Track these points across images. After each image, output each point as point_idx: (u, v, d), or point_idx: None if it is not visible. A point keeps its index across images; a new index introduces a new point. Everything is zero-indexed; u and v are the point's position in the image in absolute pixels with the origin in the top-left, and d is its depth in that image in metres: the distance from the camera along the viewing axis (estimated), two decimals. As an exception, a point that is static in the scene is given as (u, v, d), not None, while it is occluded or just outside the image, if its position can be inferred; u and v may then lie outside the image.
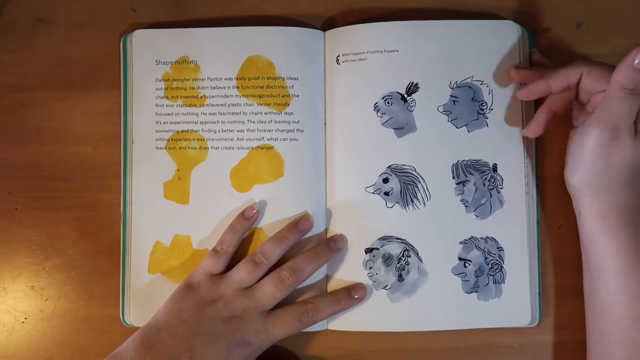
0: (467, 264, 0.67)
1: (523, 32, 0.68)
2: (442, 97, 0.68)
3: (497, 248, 0.67)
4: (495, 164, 0.67)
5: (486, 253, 0.67)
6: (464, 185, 0.67)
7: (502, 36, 0.68)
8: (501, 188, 0.67)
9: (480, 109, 0.68)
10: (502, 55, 0.68)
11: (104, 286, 0.70)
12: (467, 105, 0.68)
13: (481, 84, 0.68)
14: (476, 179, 0.67)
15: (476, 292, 0.67)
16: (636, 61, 0.56)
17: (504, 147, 0.68)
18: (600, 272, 0.61)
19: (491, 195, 0.67)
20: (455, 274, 0.67)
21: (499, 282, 0.67)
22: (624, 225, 0.59)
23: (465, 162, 0.68)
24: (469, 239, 0.67)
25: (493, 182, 0.67)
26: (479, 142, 0.68)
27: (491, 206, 0.67)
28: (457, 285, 0.67)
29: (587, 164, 0.61)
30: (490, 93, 0.68)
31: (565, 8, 0.70)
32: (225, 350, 0.62)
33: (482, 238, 0.67)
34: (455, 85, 0.68)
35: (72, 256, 0.71)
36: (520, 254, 0.67)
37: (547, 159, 0.69)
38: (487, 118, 0.68)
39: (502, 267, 0.67)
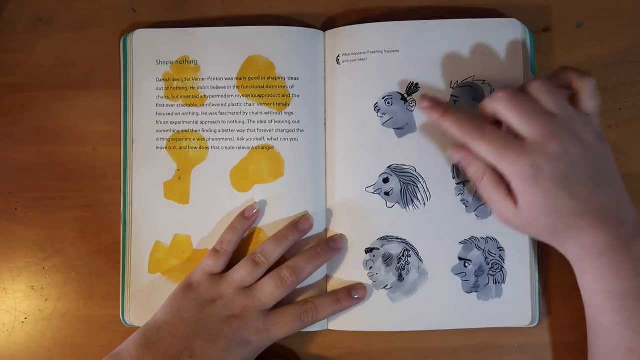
0: (467, 264, 0.67)
1: (525, 30, 0.68)
2: (443, 97, 0.67)
3: (498, 248, 0.67)
4: (497, 164, 0.67)
5: (486, 253, 0.67)
6: (464, 185, 0.67)
7: (506, 35, 0.67)
8: (502, 188, 0.67)
9: (482, 109, 0.68)
10: (505, 54, 0.67)
11: (104, 286, 0.71)
12: (468, 106, 0.67)
13: (483, 83, 0.68)
14: (477, 179, 0.67)
15: (476, 292, 0.67)
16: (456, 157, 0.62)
17: None
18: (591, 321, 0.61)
19: (492, 195, 0.67)
20: (455, 274, 0.67)
21: (499, 282, 0.67)
22: (584, 272, 0.60)
23: (465, 162, 0.67)
24: (469, 238, 0.67)
25: (494, 182, 0.67)
26: (479, 142, 0.67)
27: (492, 206, 0.67)
28: (457, 285, 0.67)
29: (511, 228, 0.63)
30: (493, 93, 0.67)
31: (565, 8, 0.70)
32: (225, 349, 0.62)
33: (482, 238, 0.67)
34: (456, 85, 0.68)
35: (72, 256, 0.71)
36: (521, 254, 0.67)
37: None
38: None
39: (502, 267, 0.67)
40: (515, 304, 0.67)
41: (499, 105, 0.59)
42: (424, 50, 0.68)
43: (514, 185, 0.58)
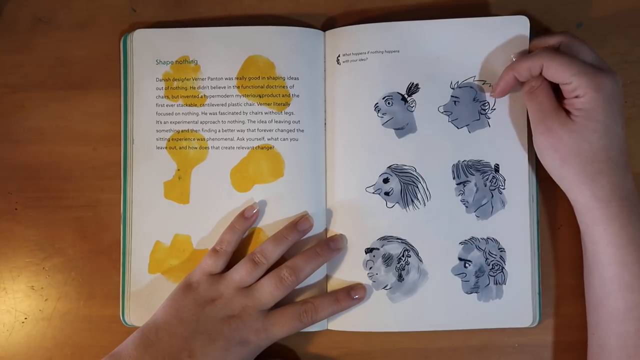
0: (467, 265, 0.67)
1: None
2: (443, 98, 0.68)
3: (499, 249, 0.67)
4: (497, 165, 0.67)
5: (487, 254, 0.67)
6: (464, 186, 0.67)
7: (512, 32, 0.67)
8: (503, 189, 0.67)
9: (482, 109, 0.67)
10: (508, 53, 0.67)
11: (104, 286, 0.71)
12: (468, 106, 0.67)
13: (484, 83, 0.68)
14: (477, 179, 0.67)
15: (476, 292, 0.67)
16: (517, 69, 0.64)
17: (507, 147, 0.67)
18: (595, 263, 0.62)
19: (492, 196, 0.67)
20: (455, 274, 0.67)
21: (499, 283, 0.67)
22: (612, 217, 0.60)
23: (466, 162, 0.67)
24: (470, 239, 0.67)
25: (495, 183, 0.67)
26: (480, 143, 0.67)
27: (492, 207, 0.67)
28: (457, 286, 0.67)
29: (548, 160, 0.63)
30: None
31: (565, 8, 0.70)
32: (224, 349, 0.62)
33: (482, 239, 0.67)
34: (456, 85, 0.68)
35: (72, 256, 0.71)
36: (522, 255, 0.67)
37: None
38: (489, 118, 0.67)
39: (503, 268, 0.67)
40: (516, 305, 0.67)
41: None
42: (424, 50, 0.68)
43: (583, 97, 0.60)
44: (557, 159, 0.61)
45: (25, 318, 0.71)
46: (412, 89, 0.67)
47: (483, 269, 0.67)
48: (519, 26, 0.67)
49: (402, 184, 0.67)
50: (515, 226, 0.67)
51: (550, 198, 0.69)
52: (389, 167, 0.67)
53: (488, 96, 0.67)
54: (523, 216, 0.67)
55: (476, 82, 0.68)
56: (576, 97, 0.60)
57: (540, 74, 0.63)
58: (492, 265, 0.67)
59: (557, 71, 0.60)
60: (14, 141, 0.72)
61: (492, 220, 0.67)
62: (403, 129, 0.67)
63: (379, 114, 0.68)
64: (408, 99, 0.68)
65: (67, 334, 0.71)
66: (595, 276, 0.62)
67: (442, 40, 0.68)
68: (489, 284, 0.67)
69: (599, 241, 0.61)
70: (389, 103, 0.67)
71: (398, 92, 0.68)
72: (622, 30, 0.70)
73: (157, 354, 0.62)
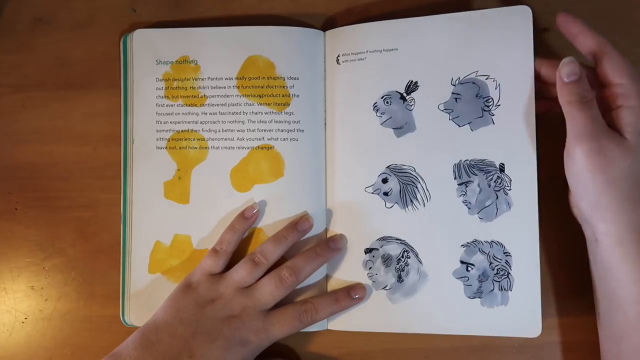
0: (469, 268, 0.66)
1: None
2: (443, 95, 0.67)
3: (504, 253, 0.66)
4: (503, 164, 0.66)
5: (491, 258, 0.66)
6: (466, 186, 0.66)
7: (513, 24, 0.65)
8: (509, 189, 0.66)
9: (486, 105, 0.66)
10: (513, 44, 0.65)
11: (104, 286, 0.71)
12: (470, 103, 0.66)
13: (487, 78, 0.66)
14: (480, 179, 0.66)
15: (479, 297, 0.66)
16: (565, 78, 0.58)
17: (513, 145, 0.65)
18: (618, 299, 0.59)
19: (497, 197, 0.66)
20: (457, 278, 0.66)
21: (505, 289, 0.65)
22: None
23: (468, 162, 0.66)
24: (472, 242, 0.66)
25: (500, 183, 0.66)
26: (483, 141, 0.66)
27: (497, 208, 0.66)
28: (459, 289, 0.66)
29: (588, 183, 0.58)
30: (498, 88, 0.66)
31: (565, 8, 0.69)
32: (224, 349, 0.62)
33: (486, 242, 0.66)
34: (457, 81, 0.67)
35: (72, 256, 0.71)
36: (530, 261, 0.65)
37: (546, 159, 0.66)
38: (493, 115, 0.66)
39: (509, 273, 0.65)
40: (523, 313, 0.64)
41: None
42: (423, 46, 0.67)
43: (630, 109, 0.57)
44: (602, 182, 0.57)
45: (25, 318, 0.71)
46: (411, 87, 0.67)
47: (487, 274, 0.66)
48: (521, 17, 0.65)
49: (401, 184, 0.67)
50: (522, 229, 0.65)
51: (550, 198, 0.68)
52: (387, 167, 0.67)
53: (493, 90, 0.66)
54: (531, 218, 0.65)
55: (479, 77, 0.66)
56: (618, 107, 0.58)
57: (595, 70, 0.61)
58: (497, 270, 0.66)
59: (616, 67, 0.58)
60: (14, 141, 0.72)
61: (497, 223, 0.66)
62: (402, 128, 0.67)
63: (378, 114, 0.67)
64: (407, 98, 0.67)
65: (67, 334, 0.71)
66: (617, 312, 0.59)
67: (442, 36, 0.67)
68: (493, 289, 0.66)
69: (625, 278, 0.57)
70: (387, 102, 0.67)
71: (397, 91, 0.67)
72: (622, 30, 0.70)
73: (157, 354, 0.62)
